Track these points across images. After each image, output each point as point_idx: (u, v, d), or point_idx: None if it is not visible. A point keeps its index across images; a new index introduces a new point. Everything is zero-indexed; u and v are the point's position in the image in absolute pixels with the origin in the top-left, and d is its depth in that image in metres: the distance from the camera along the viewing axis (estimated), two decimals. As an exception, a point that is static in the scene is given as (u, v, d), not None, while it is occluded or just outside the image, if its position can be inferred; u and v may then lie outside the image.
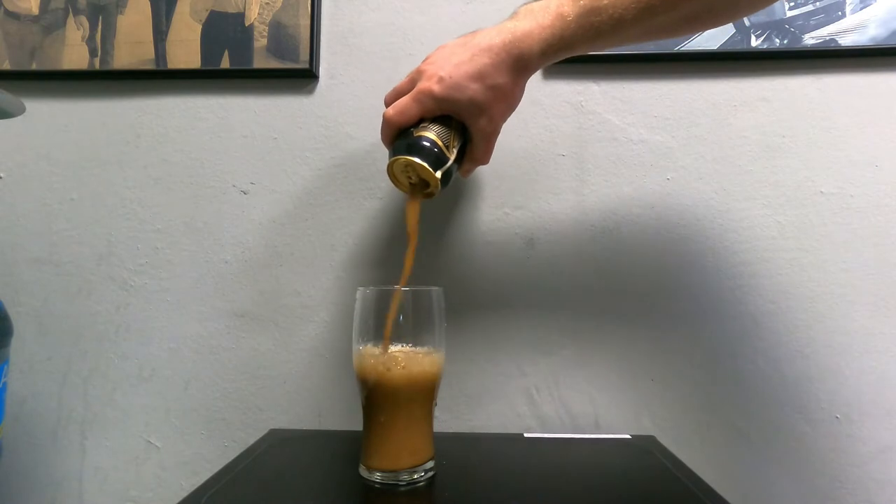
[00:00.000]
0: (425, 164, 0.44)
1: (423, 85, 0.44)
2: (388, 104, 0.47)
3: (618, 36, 0.42)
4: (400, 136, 0.46)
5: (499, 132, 0.48)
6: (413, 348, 0.44)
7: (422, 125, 0.45)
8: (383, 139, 0.48)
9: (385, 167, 0.48)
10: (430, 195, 0.48)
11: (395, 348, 0.43)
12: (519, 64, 0.43)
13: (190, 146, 0.65)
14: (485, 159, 0.49)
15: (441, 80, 0.43)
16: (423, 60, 0.46)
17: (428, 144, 0.44)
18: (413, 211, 0.49)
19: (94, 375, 0.63)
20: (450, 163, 0.45)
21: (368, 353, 0.44)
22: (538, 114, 0.63)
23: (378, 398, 0.43)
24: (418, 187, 0.48)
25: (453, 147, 0.45)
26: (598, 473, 0.48)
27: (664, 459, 0.50)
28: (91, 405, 0.63)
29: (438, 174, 0.44)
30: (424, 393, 0.44)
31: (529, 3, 0.44)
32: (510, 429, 0.60)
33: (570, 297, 0.61)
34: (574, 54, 0.44)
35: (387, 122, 0.46)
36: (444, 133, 0.45)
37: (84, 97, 0.66)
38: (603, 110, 0.63)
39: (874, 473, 0.58)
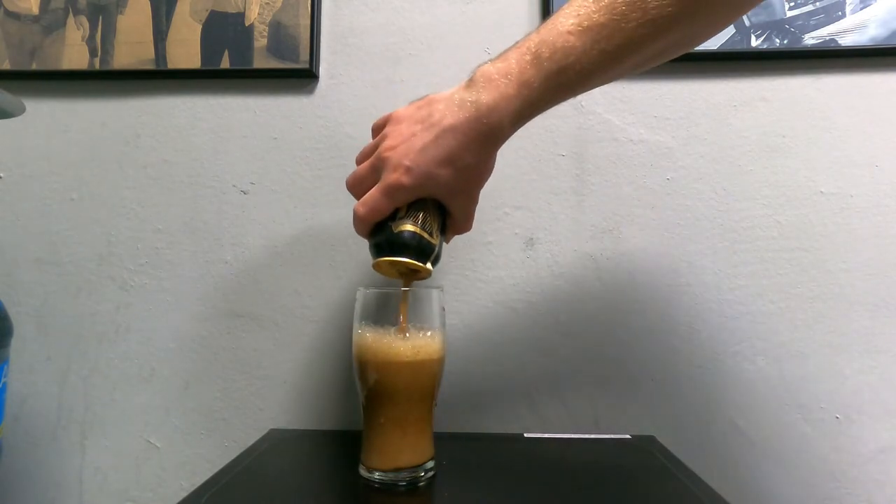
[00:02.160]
0: (413, 261, 0.41)
1: (390, 177, 0.40)
2: (351, 191, 0.44)
3: (586, 86, 0.40)
4: (378, 232, 0.43)
5: (477, 201, 0.45)
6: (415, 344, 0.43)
7: (398, 217, 0.42)
8: (359, 233, 0.44)
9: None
10: (422, 278, 0.46)
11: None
12: (488, 140, 0.40)
13: (190, 146, 0.65)
14: (466, 229, 0.46)
15: (408, 170, 0.39)
16: (381, 139, 0.42)
17: (410, 237, 0.41)
18: (405, 297, 0.46)
19: (94, 375, 0.63)
20: (435, 248, 0.43)
21: (372, 338, 0.43)
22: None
23: (378, 396, 0.43)
24: (408, 275, 0.46)
25: (435, 230, 0.43)
26: (598, 473, 0.48)
27: (664, 459, 0.50)
28: (91, 405, 0.63)
29: (428, 265, 0.42)
30: (424, 392, 0.44)
31: (484, 65, 0.40)
32: (510, 429, 0.60)
33: (570, 297, 0.61)
34: (543, 111, 0.41)
35: (359, 220, 0.42)
36: (423, 219, 0.42)
37: (84, 97, 0.66)
38: (603, 110, 0.63)
39: (874, 473, 0.58)
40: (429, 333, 0.44)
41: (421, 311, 0.44)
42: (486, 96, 0.39)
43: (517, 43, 0.40)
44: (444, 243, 0.46)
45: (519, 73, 0.38)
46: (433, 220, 0.43)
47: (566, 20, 0.38)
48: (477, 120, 0.39)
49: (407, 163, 0.40)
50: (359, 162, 0.45)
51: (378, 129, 0.45)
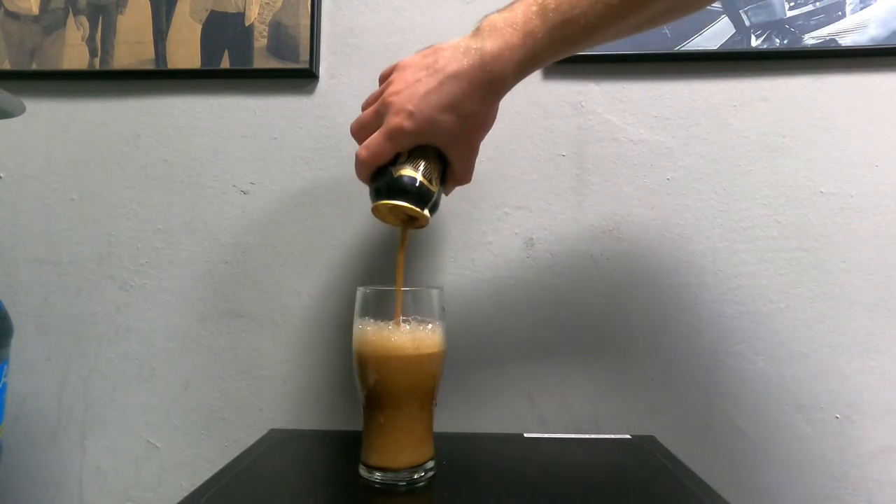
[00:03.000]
0: (412, 206, 0.42)
1: (392, 121, 0.41)
2: (354, 136, 0.45)
3: (589, 41, 0.40)
4: (378, 176, 0.43)
5: (477, 152, 0.45)
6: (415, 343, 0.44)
7: (399, 161, 0.42)
8: (360, 177, 0.45)
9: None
10: (420, 226, 0.47)
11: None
12: (491, 88, 0.40)
13: (190, 146, 0.65)
14: (466, 180, 0.47)
15: (411, 114, 0.40)
16: (386, 86, 0.43)
17: (409, 183, 0.42)
18: (402, 243, 0.47)
19: (94, 375, 0.63)
20: (434, 195, 0.43)
21: (372, 331, 0.43)
22: (538, 114, 0.63)
23: (378, 395, 0.43)
24: (407, 222, 0.46)
25: (435, 177, 0.43)
26: (598, 473, 0.48)
27: (664, 459, 0.50)
28: (91, 405, 0.63)
29: (426, 211, 0.43)
30: (425, 390, 0.44)
31: (490, 15, 0.40)
32: (510, 429, 0.60)
33: (570, 297, 0.61)
34: (546, 65, 0.42)
35: (361, 164, 0.43)
36: (423, 166, 0.42)
37: (84, 97, 0.66)
38: (603, 110, 0.63)
39: (874, 473, 0.58)
40: (429, 326, 0.44)
41: (421, 310, 0.44)
42: (490, 44, 0.39)
43: None
44: (443, 194, 0.46)
45: (524, 23, 0.39)
46: (434, 167, 0.43)
47: None
48: (481, 67, 0.39)
49: (410, 107, 0.40)
50: (364, 108, 0.45)
51: (384, 78, 0.45)
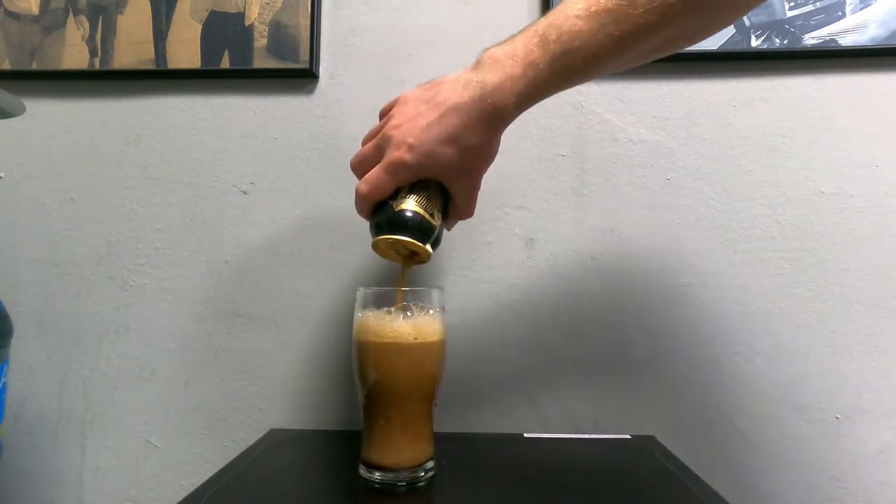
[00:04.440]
0: (413, 240, 0.41)
1: (393, 155, 0.40)
2: (354, 171, 0.44)
3: (591, 73, 0.40)
4: (379, 211, 0.42)
5: (479, 186, 0.45)
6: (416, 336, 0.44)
7: (399, 195, 0.41)
8: (360, 213, 0.44)
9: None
10: (422, 262, 0.46)
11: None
12: (493, 121, 0.40)
13: (190, 146, 0.65)
14: (468, 214, 0.46)
15: (411, 147, 0.39)
16: (387, 120, 0.42)
17: (411, 216, 0.41)
18: (403, 278, 0.46)
19: (94, 375, 0.63)
20: (436, 230, 0.43)
21: (373, 317, 0.43)
22: (538, 114, 0.63)
23: (379, 392, 0.43)
24: (408, 257, 0.46)
25: (437, 211, 0.42)
26: (598, 473, 0.48)
27: (664, 459, 0.50)
28: (91, 405, 0.63)
29: (428, 246, 0.42)
30: (425, 389, 0.44)
31: (491, 48, 0.40)
32: (510, 429, 0.60)
33: (570, 297, 0.61)
34: (548, 96, 0.41)
35: (361, 198, 0.42)
36: (425, 200, 0.42)
37: (84, 97, 0.66)
38: (603, 110, 0.63)
39: (874, 473, 0.58)
40: (430, 313, 0.44)
41: (421, 311, 0.44)
42: (491, 76, 0.39)
43: (525, 27, 0.40)
44: (444, 229, 0.45)
45: (525, 55, 0.39)
46: (435, 201, 0.42)
47: (574, 4, 0.38)
48: (482, 99, 0.39)
49: (410, 140, 0.40)
50: (364, 143, 0.45)
51: (385, 112, 0.45)
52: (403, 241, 0.41)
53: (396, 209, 0.41)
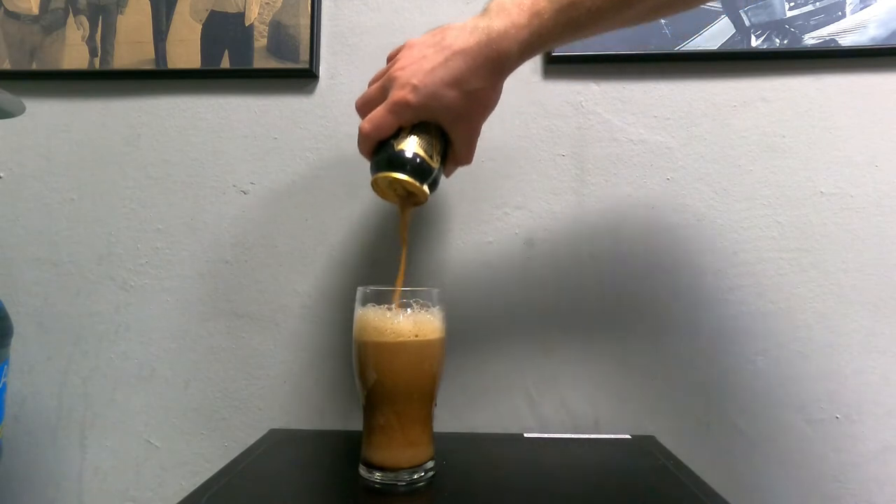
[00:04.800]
0: (411, 179, 0.42)
1: (396, 94, 0.41)
2: (359, 111, 0.45)
3: (595, 26, 0.41)
4: (380, 150, 0.43)
5: (479, 133, 0.46)
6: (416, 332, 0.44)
7: (401, 135, 0.43)
8: (362, 152, 0.45)
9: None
10: (419, 203, 0.47)
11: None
12: (496, 66, 0.41)
13: (190, 146, 0.65)
14: (467, 160, 0.47)
15: (415, 88, 0.41)
16: (393, 62, 0.44)
17: (410, 157, 0.42)
18: (403, 221, 0.47)
19: (94, 375, 0.63)
20: (434, 172, 0.44)
21: (373, 315, 0.43)
22: (538, 114, 0.63)
23: (379, 392, 0.43)
24: (406, 198, 0.47)
25: (436, 154, 0.43)
26: (598, 473, 0.48)
27: (664, 459, 0.50)
28: (91, 405, 0.63)
29: (425, 187, 0.43)
30: (425, 388, 0.44)
31: None
32: (510, 429, 0.60)
33: (570, 297, 0.61)
34: (551, 49, 0.43)
35: (364, 137, 0.43)
36: (425, 142, 0.43)
37: (84, 97, 0.66)
38: (603, 110, 0.63)
39: (874, 473, 0.58)
40: (431, 310, 0.44)
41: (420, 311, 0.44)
42: (497, 23, 0.40)
43: None
44: (443, 174, 0.46)
45: (531, 4, 0.40)
46: (435, 144, 0.44)
47: None
48: (487, 45, 0.40)
49: (414, 81, 0.41)
50: (370, 85, 0.46)
51: (392, 57, 0.46)
52: (401, 180, 0.42)
53: (397, 148, 0.42)
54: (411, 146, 0.42)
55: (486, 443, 0.55)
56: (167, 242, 0.64)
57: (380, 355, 0.43)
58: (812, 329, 0.59)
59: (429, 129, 0.43)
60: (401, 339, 0.42)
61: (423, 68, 0.41)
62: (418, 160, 0.42)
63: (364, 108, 0.45)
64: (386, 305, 0.44)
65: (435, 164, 0.43)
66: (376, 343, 0.43)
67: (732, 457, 0.59)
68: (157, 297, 0.64)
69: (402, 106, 0.41)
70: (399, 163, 0.42)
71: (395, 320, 0.43)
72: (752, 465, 0.58)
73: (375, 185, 0.45)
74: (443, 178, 0.47)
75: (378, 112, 0.42)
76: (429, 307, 0.44)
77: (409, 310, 0.44)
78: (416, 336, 0.43)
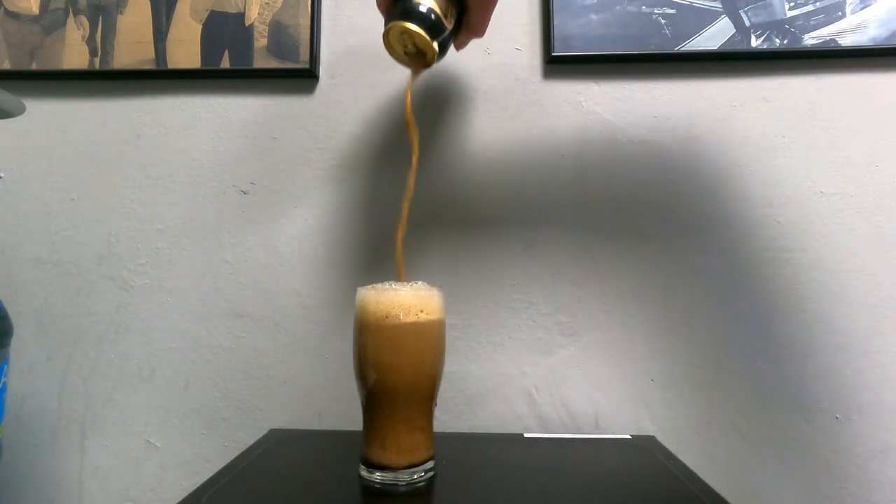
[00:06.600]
0: (422, 32, 0.43)
1: None
2: None
3: None
4: (397, 2, 0.45)
5: (494, 6, 0.47)
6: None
7: None
8: (378, 6, 0.46)
9: (384, 37, 0.47)
10: (427, 65, 0.47)
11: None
12: None
13: (190, 146, 0.65)
14: (480, 31, 0.48)
15: None
16: None
17: (425, 11, 0.43)
18: (410, 87, 0.48)
19: (94, 375, 0.63)
20: (446, 32, 0.44)
21: (374, 294, 0.44)
22: (538, 114, 0.63)
23: (379, 391, 0.43)
24: (414, 57, 0.47)
25: (451, 16, 0.44)
26: (598, 473, 0.48)
27: (664, 459, 0.50)
28: (91, 405, 0.63)
29: (435, 44, 0.44)
30: (425, 386, 0.44)
31: None
32: (510, 429, 0.60)
33: (570, 298, 0.61)
34: None
35: None
36: (442, 1, 0.44)
37: (84, 97, 0.66)
38: (603, 110, 0.63)
39: (874, 473, 0.58)
40: (432, 290, 0.45)
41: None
42: None
43: None
44: (453, 44, 0.47)
45: None
46: (451, 6, 0.45)
47: None
48: None
49: None
50: None
51: None
52: (413, 32, 0.43)
53: (413, 1, 0.43)
54: (427, 1, 0.43)
55: (486, 443, 0.55)
56: (167, 242, 0.64)
57: (380, 337, 0.43)
58: (812, 329, 0.59)
59: None
60: (403, 318, 0.42)
61: None
62: (433, 16, 0.43)
63: None
64: (388, 283, 0.44)
65: (448, 25, 0.44)
66: (378, 324, 0.43)
67: (732, 457, 0.59)
68: (157, 297, 0.64)
69: None
70: (414, 14, 0.43)
71: (399, 292, 0.43)
72: (752, 465, 0.58)
73: (387, 36, 0.46)
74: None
75: None
76: (429, 289, 0.45)
77: (409, 286, 0.44)
78: (422, 310, 0.43)
